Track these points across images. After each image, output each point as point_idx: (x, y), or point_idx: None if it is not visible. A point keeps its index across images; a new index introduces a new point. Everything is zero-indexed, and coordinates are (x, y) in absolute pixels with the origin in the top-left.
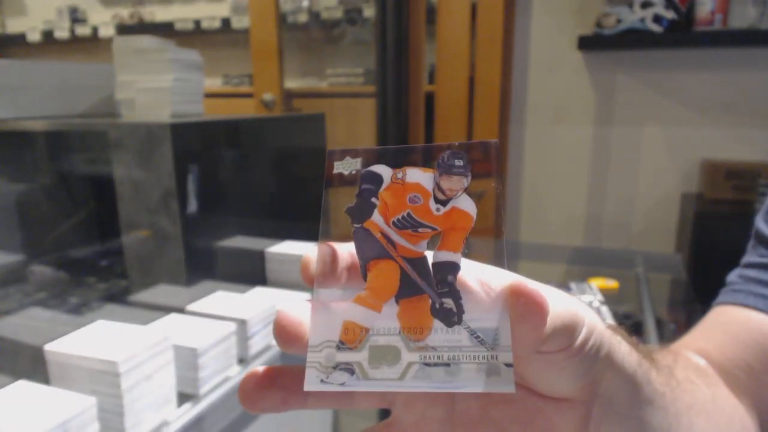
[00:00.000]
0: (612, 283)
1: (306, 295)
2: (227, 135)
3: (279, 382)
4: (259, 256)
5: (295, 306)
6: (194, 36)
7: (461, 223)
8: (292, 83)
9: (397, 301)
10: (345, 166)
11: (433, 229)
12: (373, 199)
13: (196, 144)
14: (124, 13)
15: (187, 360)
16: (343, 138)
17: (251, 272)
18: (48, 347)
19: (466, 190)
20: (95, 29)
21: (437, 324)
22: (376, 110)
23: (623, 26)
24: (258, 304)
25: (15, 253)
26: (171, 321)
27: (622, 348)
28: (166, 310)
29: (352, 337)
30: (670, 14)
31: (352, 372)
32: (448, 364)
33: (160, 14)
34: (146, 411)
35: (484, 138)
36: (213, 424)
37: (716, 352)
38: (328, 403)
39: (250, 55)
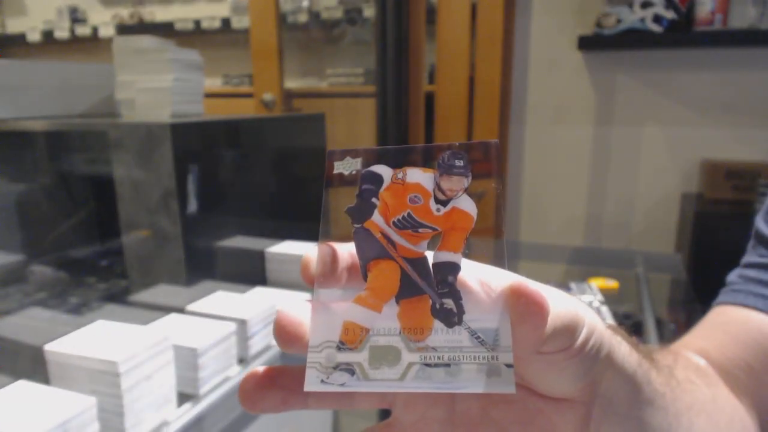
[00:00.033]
0: (612, 283)
1: (306, 295)
2: (227, 135)
3: (279, 382)
4: (259, 256)
5: (296, 306)
6: (194, 36)
7: (461, 223)
8: (292, 83)
9: (397, 302)
10: (345, 166)
11: (434, 229)
12: (374, 200)
13: (196, 144)
14: (124, 13)
15: (187, 360)
16: (343, 138)
17: (251, 272)
18: (48, 347)
19: (467, 191)
20: (95, 29)
21: (437, 324)
22: (376, 110)
23: (623, 26)
24: (258, 304)
25: (15, 253)
26: (171, 321)
27: (622, 348)
28: (166, 310)
29: (352, 337)
30: (670, 14)
31: (352, 372)
32: (448, 365)
33: (160, 14)
34: (146, 411)
35: (484, 138)
36: (213, 424)
37: (716, 352)
38: (328, 404)
39: (250, 55)
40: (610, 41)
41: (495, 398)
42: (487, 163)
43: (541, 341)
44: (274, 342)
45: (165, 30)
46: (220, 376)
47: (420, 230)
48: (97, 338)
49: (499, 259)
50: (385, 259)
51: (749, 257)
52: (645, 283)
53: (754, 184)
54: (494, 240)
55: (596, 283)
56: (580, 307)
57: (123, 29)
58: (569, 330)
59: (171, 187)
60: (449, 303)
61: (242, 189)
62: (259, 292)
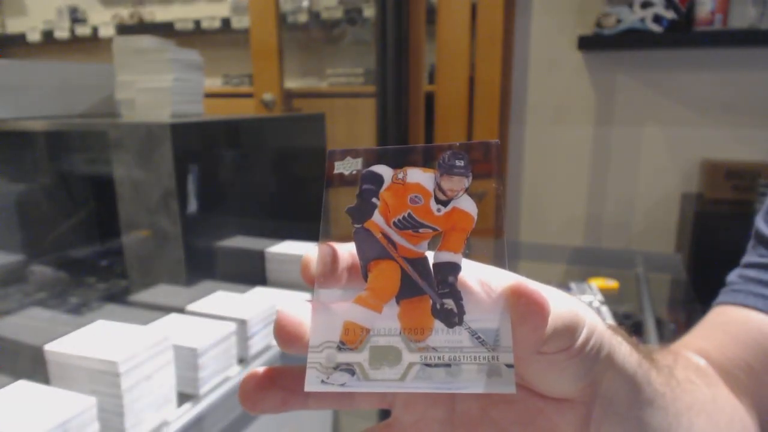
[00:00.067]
0: (612, 283)
1: (306, 295)
2: (227, 135)
3: (279, 382)
4: (259, 256)
5: (296, 306)
6: (194, 36)
7: (462, 223)
8: (292, 83)
9: (397, 302)
10: (345, 167)
11: (434, 229)
12: (374, 200)
13: (196, 144)
14: (124, 13)
15: (187, 360)
16: (343, 138)
17: (251, 272)
18: (48, 347)
19: (467, 191)
20: (95, 29)
21: (438, 324)
22: (376, 110)
23: (623, 26)
24: (258, 304)
25: (15, 253)
26: (171, 321)
27: (622, 348)
28: (166, 310)
29: (352, 337)
30: (670, 14)
31: (352, 372)
32: (448, 365)
33: (160, 14)
34: (146, 411)
35: (485, 138)
36: (213, 424)
37: (716, 352)
38: (328, 404)
39: (250, 55)
40: (610, 41)
41: (495, 398)
42: (488, 163)
43: (541, 341)
44: (274, 342)
45: (165, 30)
46: (220, 376)
47: (420, 230)
48: (97, 338)
49: (500, 259)
50: (386, 260)
51: (749, 257)
52: (645, 283)
53: (754, 184)
54: (494, 240)
55: (596, 283)
56: (581, 308)
57: (123, 29)
58: (570, 330)
59: (171, 187)
60: (450, 303)
61: (242, 189)
62: (259, 292)
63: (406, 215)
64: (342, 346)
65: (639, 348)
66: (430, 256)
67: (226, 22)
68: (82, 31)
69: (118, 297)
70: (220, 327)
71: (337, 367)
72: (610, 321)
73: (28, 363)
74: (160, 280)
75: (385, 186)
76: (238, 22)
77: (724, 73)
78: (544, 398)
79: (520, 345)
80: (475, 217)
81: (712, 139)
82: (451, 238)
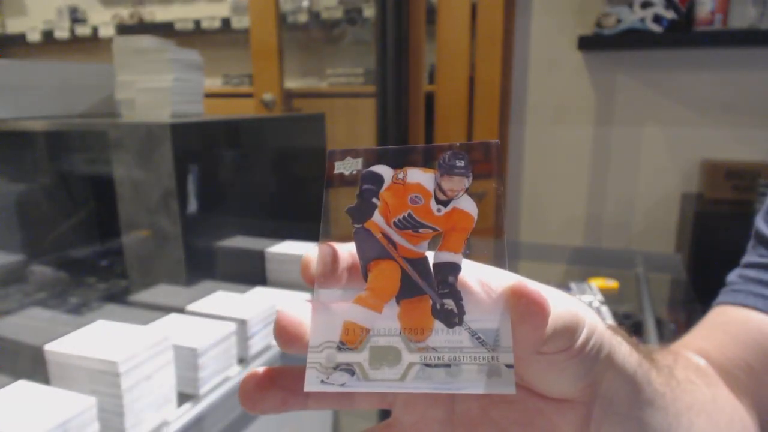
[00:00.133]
0: (612, 283)
1: (306, 295)
2: (227, 135)
3: (279, 382)
4: (259, 256)
5: (296, 306)
6: (194, 36)
7: (462, 223)
8: (292, 83)
9: (397, 302)
10: (346, 167)
11: (434, 229)
12: (374, 200)
13: (196, 144)
14: (124, 13)
15: (187, 360)
16: (343, 138)
17: (251, 272)
18: (48, 347)
19: (467, 191)
20: (95, 29)
21: (438, 325)
22: (376, 110)
23: (623, 26)
24: (258, 304)
25: (15, 253)
26: (171, 321)
27: (622, 349)
28: (166, 310)
29: (352, 337)
30: (670, 14)
31: (352, 373)
32: (448, 365)
33: (160, 14)
34: (146, 411)
35: (485, 138)
36: (213, 424)
37: (716, 352)
38: (328, 404)
39: (250, 55)
40: (610, 41)
41: (495, 399)
42: (488, 163)
43: (541, 342)
44: (274, 342)
45: (165, 30)
46: (220, 376)
47: (420, 230)
48: (97, 338)
49: (500, 259)
50: (386, 260)
51: (749, 257)
52: (645, 283)
53: (754, 184)
54: (494, 240)
55: (596, 283)
56: (581, 308)
57: (123, 29)
58: (569, 330)
59: (171, 187)
60: (450, 303)
61: (242, 189)
62: (259, 292)
63: (406, 215)
64: (342, 346)
65: (639, 348)
66: (430, 256)
67: (226, 22)
68: (82, 31)
69: (118, 297)
70: (220, 327)
71: (337, 367)
72: (610, 321)
73: (28, 363)
74: (160, 280)
75: (385, 186)
76: (238, 22)
77: (724, 73)
78: (544, 398)
79: (520, 345)
80: (476, 218)
81: (712, 139)
82: (451, 239)
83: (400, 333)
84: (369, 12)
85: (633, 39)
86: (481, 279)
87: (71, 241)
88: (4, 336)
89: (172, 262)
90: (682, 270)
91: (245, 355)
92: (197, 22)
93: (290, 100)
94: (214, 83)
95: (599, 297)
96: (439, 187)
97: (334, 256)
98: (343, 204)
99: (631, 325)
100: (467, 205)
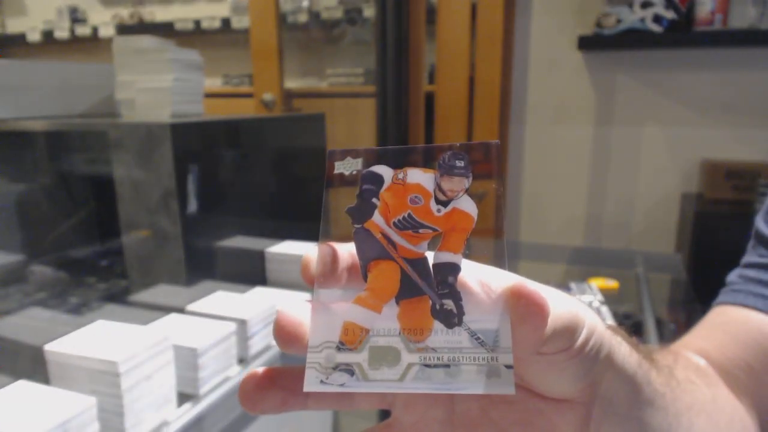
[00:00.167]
0: (612, 283)
1: (306, 296)
2: (227, 135)
3: (279, 382)
4: (259, 256)
5: (295, 306)
6: (194, 36)
7: (462, 224)
8: (292, 83)
9: (397, 302)
10: (346, 167)
11: (434, 229)
12: (374, 200)
13: (196, 144)
14: (124, 13)
15: (187, 360)
16: (343, 138)
17: (251, 272)
18: (48, 347)
19: (467, 191)
20: (95, 29)
21: (437, 325)
22: (376, 110)
23: (623, 26)
24: (258, 304)
25: (15, 253)
26: (171, 321)
27: (622, 349)
28: (166, 310)
29: (352, 337)
30: (670, 14)
31: (351, 373)
32: (448, 366)
33: (160, 14)
34: (146, 411)
35: (485, 138)
36: (213, 424)
37: (716, 352)
38: (328, 404)
39: (250, 55)
40: (610, 41)
41: (495, 399)
42: (488, 163)
43: (541, 342)
44: (274, 342)
45: (165, 30)
46: (220, 376)
47: (420, 231)
48: (97, 338)
49: (499, 259)
50: (386, 260)
51: (749, 257)
52: (645, 283)
53: (754, 184)
54: (494, 240)
55: (596, 283)
56: (580, 308)
57: (123, 29)
58: (569, 331)
59: (171, 187)
60: (449, 304)
61: (242, 189)
62: (259, 292)
63: (406, 215)
64: (341, 347)
65: (639, 348)
66: (430, 256)
67: (226, 22)
68: (82, 31)
69: (118, 297)
70: (220, 327)
71: (337, 368)
72: (610, 321)
73: (28, 363)
74: (160, 280)
75: (385, 186)
76: (238, 22)
77: (724, 73)
78: (543, 399)
79: (519, 346)
80: (475, 218)
81: (712, 139)
82: (451, 239)
83: (400, 333)
84: (369, 12)
85: (633, 39)
86: (481, 279)
87: (71, 241)
88: (4, 336)
89: (172, 262)
90: (682, 270)
91: (245, 355)
92: (197, 22)
93: (290, 100)
94: (214, 83)
95: (599, 297)
96: (439, 187)
97: (334, 256)
98: (343, 204)
99: (631, 325)
100: (467, 205)
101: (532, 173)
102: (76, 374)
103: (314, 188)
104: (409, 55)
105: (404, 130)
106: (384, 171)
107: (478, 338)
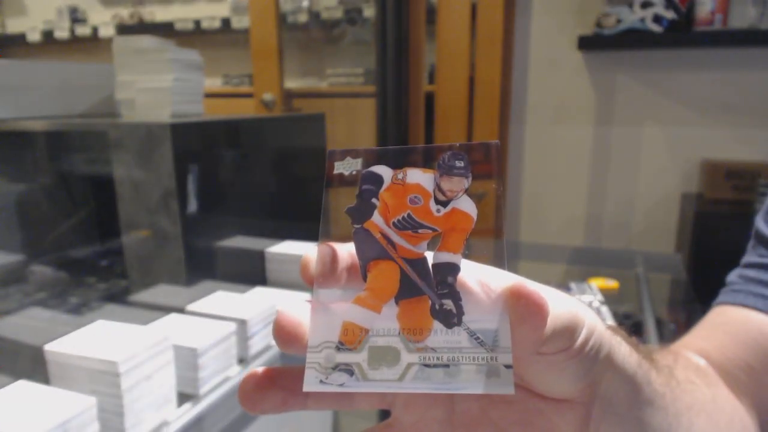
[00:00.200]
0: (612, 283)
1: (306, 296)
2: (227, 135)
3: (279, 382)
4: (259, 256)
5: (295, 306)
6: (194, 36)
7: (461, 224)
8: (292, 83)
9: (396, 302)
10: (345, 167)
11: (434, 230)
12: (374, 200)
13: (196, 144)
14: (124, 13)
15: (187, 360)
16: (343, 138)
17: (251, 272)
18: (48, 347)
19: (467, 191)
20: (95, 29)
21: (437, 325)
22: (376, 110)
23: (623, 26)
24: (258, 304)
25: (15, 253)
26: (171, 321)
27: (622, 349)
28: (166, 310)
29: (351, 337)
30: (670, 14)
31: (351, 373)
32: (447, 366)
33: (160, 14)
34: (146, 411)
35: (485, 138)
36: (213, 424)
37: (716, 352)
38: (327, 404)
39: (250, 55)
40: (610, 41)
41: (494, 399)
42: (488, 163)
43: (540, 342)
44: (273, 342)
45: (165, 30)
46: (220, 376)
47: (420, 231)
48: (97, 338)
49: (499, 259)
50: (385, 260)
51: (749, 257)
52: (645, 283)
53: (754, 184)
54: (494, 240)
55: (596, 283)
56: (580, 308)
57: (123, 29)
58: (569, 331)
59: (171, 187)
60: (449, 304)
61: (242, 189)
62: (259, 292)
63: (405, 216)
64: (341, 347)
65: (639, 348)
66: (430, 256)
67: (226, 22)
68: (82, 31)
69: (118, 297)
70: (220, 327)
71: (336, 368)
72: (610, 321)
73: (28, 363)
74: (160, 280)
75: (384, 186)
76: (238, 22)
77: (724, 73)
78: (543, 399)
79: (519, 346)
80: (475, 218)
81: (712, 139)
82: (451, 239)
83: (399, 333)
84: (369, 12)
85: (633, 39)
86: (481, 279)
87: (71, 241)
88: (4, 336)
89: (172, 262)
90: (682, 270)
91: (245, 355)
92: (197, 22)
93: (290, 100)
94: (214, 83)
95: (599, 297)
96: (438, 187)
97: (334, 257)
98: (343, 204)
99: (631, 325)
100: (467, 205)
101: (532, 173)
102: (76, 374)
103: (314, 188)
104: (409, 55)
105: (404, 130)
106: (383, 171)
107: (478, 338)
